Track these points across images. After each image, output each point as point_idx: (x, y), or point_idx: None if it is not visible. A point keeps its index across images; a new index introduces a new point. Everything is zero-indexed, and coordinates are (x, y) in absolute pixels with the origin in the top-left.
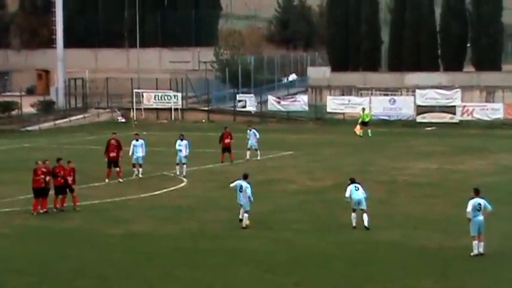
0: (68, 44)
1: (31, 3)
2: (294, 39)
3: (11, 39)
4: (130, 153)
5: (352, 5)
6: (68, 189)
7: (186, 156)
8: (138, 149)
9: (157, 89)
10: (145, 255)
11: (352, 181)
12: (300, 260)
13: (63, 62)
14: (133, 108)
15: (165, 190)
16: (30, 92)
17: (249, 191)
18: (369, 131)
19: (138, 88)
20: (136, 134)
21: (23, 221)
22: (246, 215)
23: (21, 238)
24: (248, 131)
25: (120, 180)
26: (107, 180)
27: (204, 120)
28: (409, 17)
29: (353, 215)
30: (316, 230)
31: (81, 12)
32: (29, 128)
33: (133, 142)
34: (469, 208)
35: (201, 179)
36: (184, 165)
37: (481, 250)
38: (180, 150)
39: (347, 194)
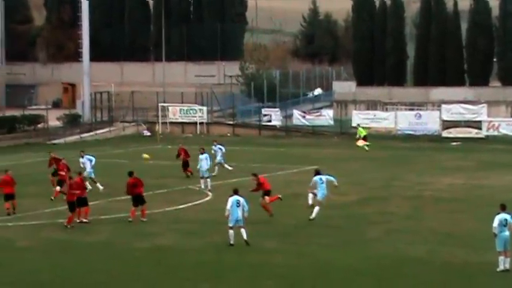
0: (93, 58)
1: (57, 17)
2: (319, 53)
3: (38, 52)
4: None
5: (378, 19)
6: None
7: (208, 170)
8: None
9: (182, 102)
10: (171, 268)
11: (318, 173)
12: (324, 275)
13: (89, 76)
14: (158, 122)
15: (189, 204)
16: (56, 105)
17: (246, 205)
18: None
19: (164, 102)
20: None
21: (49, 234)
22: (243, 230)
23: (47, 251)
24: (213, 146)
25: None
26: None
27: (229, 134)
28: (434, 32)
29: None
30: (340, 244)
31: (107, 25)
32: (55, 141)
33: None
34: (495, 223)
35: (226, 193)
36: (208, 179)
37: (507, 266)
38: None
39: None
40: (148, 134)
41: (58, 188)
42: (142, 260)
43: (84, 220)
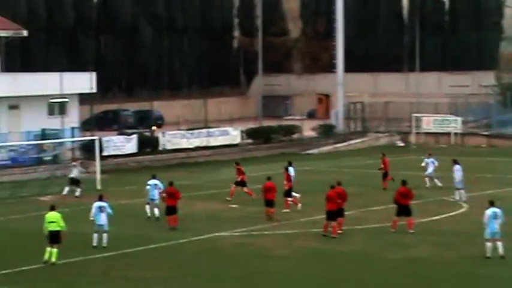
0: (347, 68)
1: (313, 29)
2: None
3: (293, 64)
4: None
5: None
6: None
7: (460, 181)
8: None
9: (436, 113)
10: (425, 280)
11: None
12: None
13: (343, 86)
14: (412, 133)
15: (444, 215)
16: (311, 115)
17: (502, 216)
18: None
19: (417, 112)
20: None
21: (304, 243)
22: (499, 243)
23: (301, 260)
24: (426, 159)
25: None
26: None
27: (484, 145)
28: None
29: None
30: None
31: (362, 36)
32: (309, 151)
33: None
34: None
35: (481, 205)
36: (462, 190)
37: None
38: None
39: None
40: (402, 144)
41: (298, 195)
42: (396, 271)
43: (339, 231)
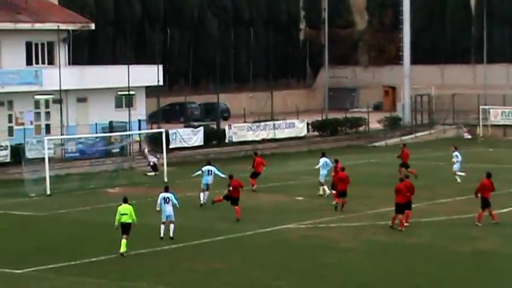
0: (414, 60)
1: (379, 21)
2: None
3: (359, 56)
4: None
5: None
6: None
7: None
8: None
9: (504, 105)
10: (494, 273)
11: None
12: None
13: (410, 79)
14: (479, 125)
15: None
16: (377, 108)
17: None
18: None
19: (485, 104)
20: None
21: (370, 235)
22: None
23: (368, 252)
24: (453, 153)
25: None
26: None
27: None
28: None
29: None
30: None
31: (428, 28)
32: (376, 144)
33: None
34: None
35: None
36: None
37: None
38: None
39: None
40: (469, 136)
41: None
42: (464, 264)
43: (405, 223)
